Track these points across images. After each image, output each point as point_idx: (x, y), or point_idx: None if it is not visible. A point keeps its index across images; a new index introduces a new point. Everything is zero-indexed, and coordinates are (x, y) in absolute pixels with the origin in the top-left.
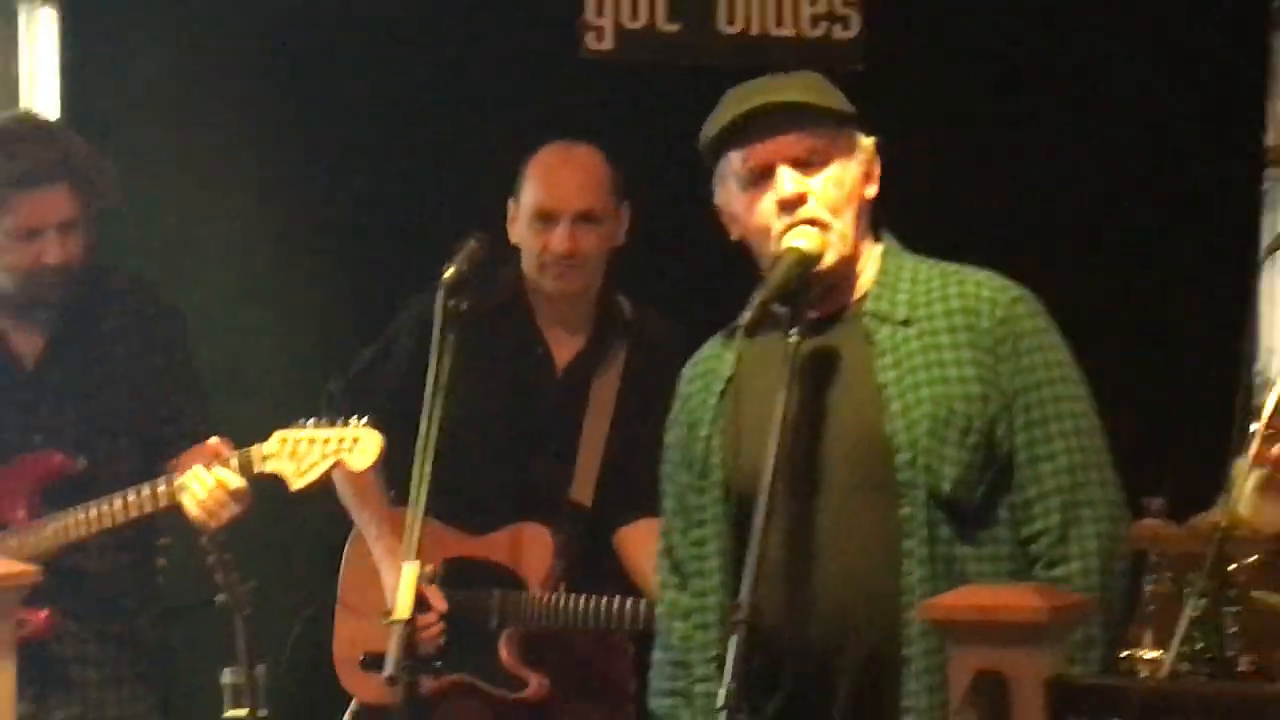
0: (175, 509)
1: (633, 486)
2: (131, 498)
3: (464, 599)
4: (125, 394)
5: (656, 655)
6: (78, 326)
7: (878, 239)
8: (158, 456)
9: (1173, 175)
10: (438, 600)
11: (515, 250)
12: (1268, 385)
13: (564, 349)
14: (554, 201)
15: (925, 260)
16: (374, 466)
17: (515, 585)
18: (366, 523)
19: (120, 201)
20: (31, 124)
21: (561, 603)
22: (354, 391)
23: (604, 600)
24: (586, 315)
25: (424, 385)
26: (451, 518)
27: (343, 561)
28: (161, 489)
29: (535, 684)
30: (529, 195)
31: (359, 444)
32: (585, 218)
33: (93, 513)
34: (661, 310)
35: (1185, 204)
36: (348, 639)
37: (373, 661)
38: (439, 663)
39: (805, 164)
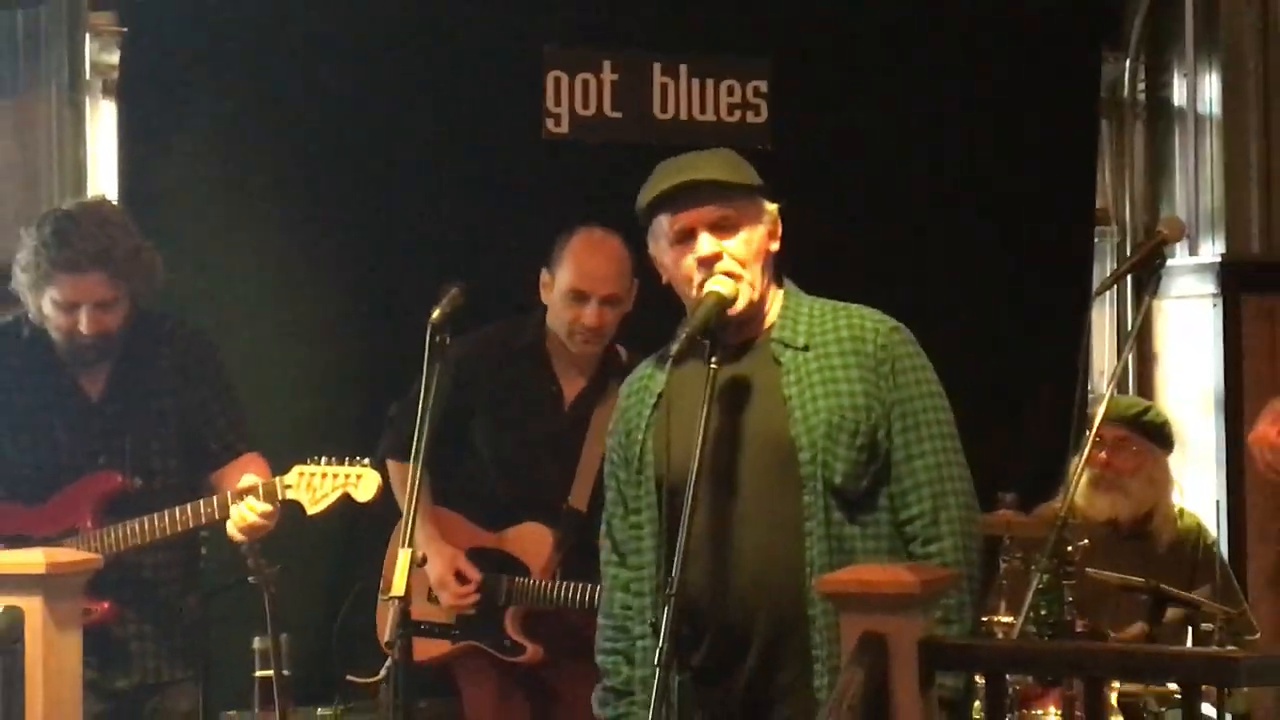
0: (216, 524)
1: None
2: (179, 515)
3: (479, 581)
4: (174, 422)
5: (600, 620)
6: (133, 366)
7: (781, 284)
8: (203, 471)
9: (1022, 232)
10: (473, 573)
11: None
12: (1097, 401)
13: (572, 387)
14: (588, 285)
15: (819, 299)
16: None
17: (521, 572)
18: (419, 524)
19: (158, 284)
20: (91, 215)
21: (557, 588)
22: (404, 415)
23: (591, 587)
24: (593, 360)
25: (453, 412)
26: (474, 515)
27: (389, 546)
28: (205, 510)
29: (532, 651)
30: (565, 275)
31: (362, 480)
32: (611, 300)
33: (147, 525)
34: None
35: (1032, 255)
36: (389, 611)
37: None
38: (456, 631)
39: (720, 228)
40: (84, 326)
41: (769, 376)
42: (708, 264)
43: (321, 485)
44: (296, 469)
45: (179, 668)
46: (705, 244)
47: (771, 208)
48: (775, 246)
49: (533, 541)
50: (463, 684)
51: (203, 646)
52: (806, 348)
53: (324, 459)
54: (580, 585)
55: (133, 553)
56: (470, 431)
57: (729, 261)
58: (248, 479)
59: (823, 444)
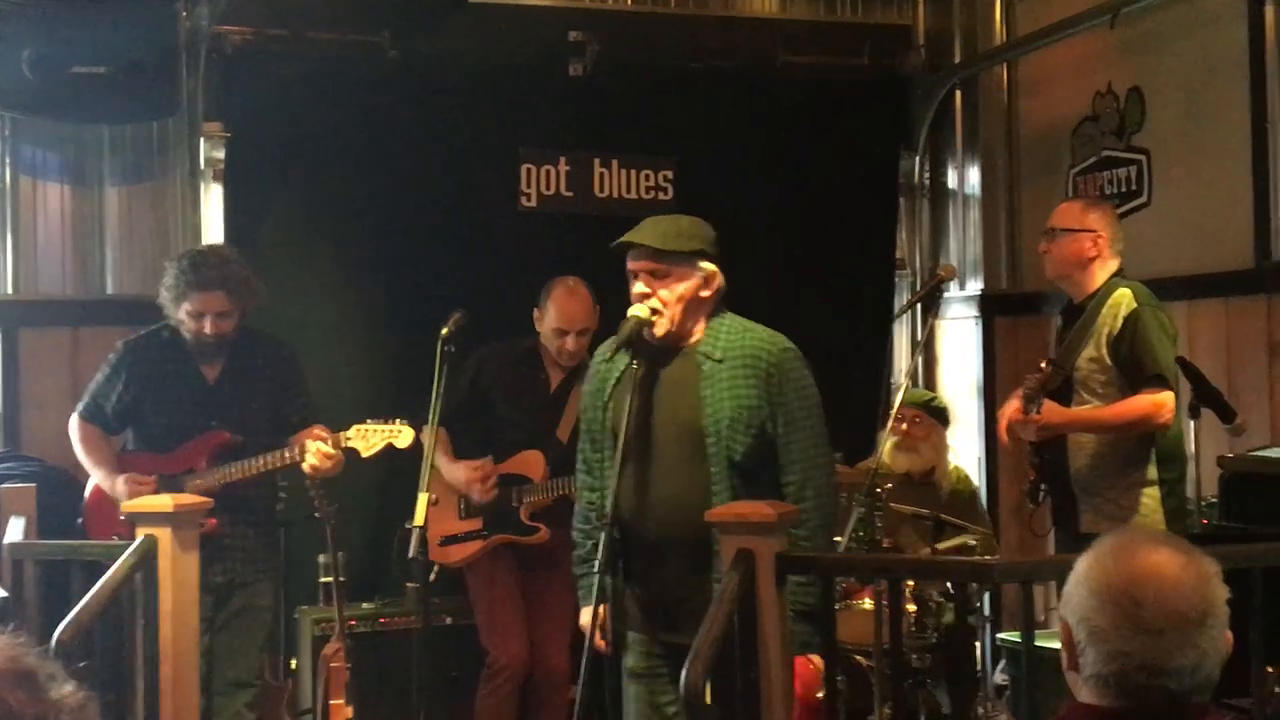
0: (292, 467)
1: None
2: (268, 458)
3: (501, 492)
4: (265, 401)
5: (576, 509)
6: (238, 361)
7: (717, 312)
8: (284, 435)
9: (849, 274)
10: (488, 469)
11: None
12: (897, 390)
13: (556, 377)
14: (568, 324)
15: (739, 320)
16: (441, 442)
17: (526, 482)
18: (445, 465)
19: (261, 302)
20: (214, 252)
21: (549, 484)
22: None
23: (568, 480)
24: (569, 362)
25: (472, 400)
26: (496, 456)
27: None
28: (285, 456)
29: (542, 531)
30: (551, 315)
31: (400, 434)
32: (583, 332)
33: (244, 466)
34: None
35: (855, 289)
36: (434, 531)
37: (447, 540)
38: (485, 532)
39: (654, 276)
40: (208, 329)
41: (691, 378)
42: (641, 299)
43: (372, 437)
44: (355, 427)
45: (260, 570)
46: (640, 284)
47: (706, 266)
48: (706, 293)
49: (532, 460)
50: (476, 577)
51: (279, 559)
52: (721, 360)
53: (373, 420)
54: (562, 480)
55: (233, 486)
56: (492, 406)
57: (654, 301)
58: (318, 433)
59: (726, 432)
